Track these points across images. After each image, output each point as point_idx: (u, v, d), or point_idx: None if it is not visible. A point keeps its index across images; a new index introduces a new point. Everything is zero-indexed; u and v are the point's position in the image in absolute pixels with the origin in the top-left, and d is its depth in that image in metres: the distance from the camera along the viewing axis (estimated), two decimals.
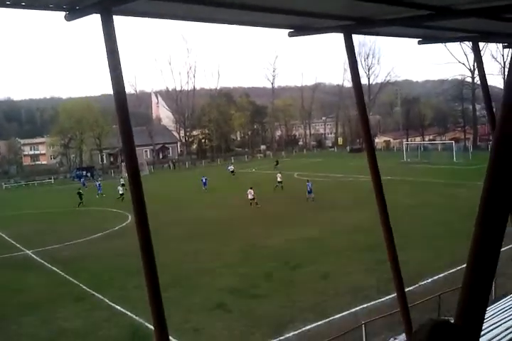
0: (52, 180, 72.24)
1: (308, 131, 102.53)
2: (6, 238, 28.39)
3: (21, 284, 18.92)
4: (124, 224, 28.84)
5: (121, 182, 40.50)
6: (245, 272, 18.31)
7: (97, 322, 14.33)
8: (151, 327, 3.42)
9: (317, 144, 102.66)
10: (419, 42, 7.09)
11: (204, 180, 44.61)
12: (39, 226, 31.35)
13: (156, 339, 3.31)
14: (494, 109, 8.72)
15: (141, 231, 3.46)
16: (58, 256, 22.94)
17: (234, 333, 13.00)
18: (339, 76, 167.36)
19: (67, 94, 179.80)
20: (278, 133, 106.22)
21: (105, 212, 35.14)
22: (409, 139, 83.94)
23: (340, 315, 13.68)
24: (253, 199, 31.75)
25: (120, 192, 39.11)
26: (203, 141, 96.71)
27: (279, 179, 39.77)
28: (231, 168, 57.45)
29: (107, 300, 16.06)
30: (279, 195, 36.35)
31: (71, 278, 18.93)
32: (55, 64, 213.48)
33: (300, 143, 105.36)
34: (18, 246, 25.80)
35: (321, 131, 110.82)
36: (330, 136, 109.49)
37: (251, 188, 32.42)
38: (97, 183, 47.42)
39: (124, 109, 3.48)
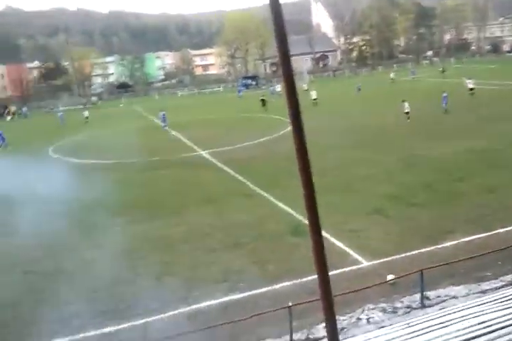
0: (221, 88, 78.16)
1: (482, 35, 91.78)
2: (184, 140, 32.01)
3: (198, 180, 21.48)
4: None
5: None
6: (405, 181, 18.21)
7: (263, 217, 15.71)
8: None
9: (492, 49, 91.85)
10: None
11: (359, 87, 50.21)
12: (213, 130, 34.76)
13: (311, 236, 3.53)
14: None
15: (297, 139, 3.61)
16: (229, 156, 25.22)
17: (390, 237, 13.28)
18: None
19: (232, 7, 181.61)
20: (447, 37, 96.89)
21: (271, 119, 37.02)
22: None
23: (505, 229, 13.15)
24: (407, 112, 30.10)
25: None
26: (364, 47, 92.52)
27: (470, 85, 37.43)
28: (392, 75, 57.70)
29: (272, 198, 17.42)
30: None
31: (240, 177, 20.85)
32: None
33: (472, 48, 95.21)
34: (195, 147, 28.94)
35: (498, 33, 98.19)
36: (509, 39, 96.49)
37: (403, 101, 30.38)
38: (272, 88, 54.32)
39: (279, 16, 3.52)
